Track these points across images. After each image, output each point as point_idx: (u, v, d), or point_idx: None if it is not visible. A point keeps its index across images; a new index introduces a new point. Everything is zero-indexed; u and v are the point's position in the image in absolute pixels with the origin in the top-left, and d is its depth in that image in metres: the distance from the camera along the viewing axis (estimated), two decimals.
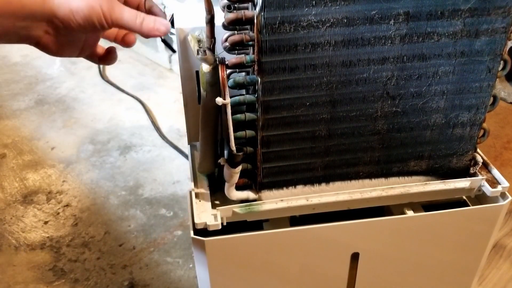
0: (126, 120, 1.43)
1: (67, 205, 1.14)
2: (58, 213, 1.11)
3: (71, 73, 1.66)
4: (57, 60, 1.73)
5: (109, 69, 1.67)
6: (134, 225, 1.08)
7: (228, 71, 0.49)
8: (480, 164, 0.57)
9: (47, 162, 1.27)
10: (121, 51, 1.79)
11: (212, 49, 0.46)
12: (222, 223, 0.51)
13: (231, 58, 0.46)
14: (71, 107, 1.49)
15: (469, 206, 0.59)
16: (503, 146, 1.22)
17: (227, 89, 0.46)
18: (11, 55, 1.76)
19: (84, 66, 1.68)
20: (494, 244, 0.88)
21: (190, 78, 0.53)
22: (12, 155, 1.30)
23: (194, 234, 0.51)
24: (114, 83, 1.59)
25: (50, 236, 1.06)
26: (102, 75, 1.62)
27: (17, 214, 1.12)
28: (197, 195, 0.54)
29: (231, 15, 0.43)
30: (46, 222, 1.10)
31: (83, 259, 1.00)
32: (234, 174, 0.51)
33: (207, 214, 0.52)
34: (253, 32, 0.44)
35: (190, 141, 0.60)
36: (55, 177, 1.22)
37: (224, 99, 0.46)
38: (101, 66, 1.67)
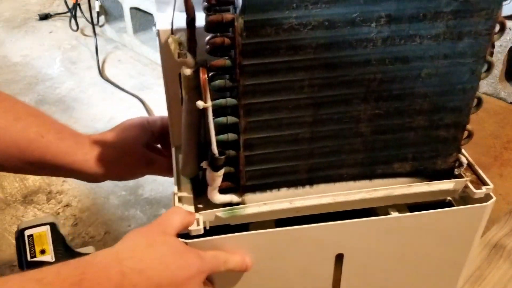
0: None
1: (67, 205, 1.12)
2: (58, 213, 1.10)
3: (71, 73, 1.64)
4: (57, 60, 1.72)
5: (109, 69, 1.66)
6: (134, 225, 1.08)
7: (212, 73, 0.48)
8: (465, 165, 0.57)
9: None
10: (121, 51, 1.77)
11: (193, 52, 0.46)
12: (205, 227, 0.51)
13: (212, 61, 0.46)
14: (71, 107, 1.48)
15: (454, 206, 0.59)
16: (503, 146, 1.23)
17: (208, 93, 0.45)
18: (11, 55, 1.75)
19: (84, 66, 1.67)
20: (494, 244, 0.88)
21: (173, 80, 0.53)
22: None
23: (178, 237, 0.51)
24: (114, 82, 1.58)
25: None
26: (102, 75, 1.61)
27: (17, 214, 1.11)
28: (180, 199, 0.54)
29: (211, 18, 0.43)
30: None
31: None
32: (216, 178, 0.50)
33: None
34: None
35: (174, 144, 0.59)
36: (55, 177, 1.21)
37: (205, 102, 0.46)
38: (101, 66, 1.66)
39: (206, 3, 0.43)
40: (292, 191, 0.54)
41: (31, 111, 0.57)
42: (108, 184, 1.16)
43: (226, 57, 0.46)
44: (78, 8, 1.82)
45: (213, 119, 0.47)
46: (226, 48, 0.45)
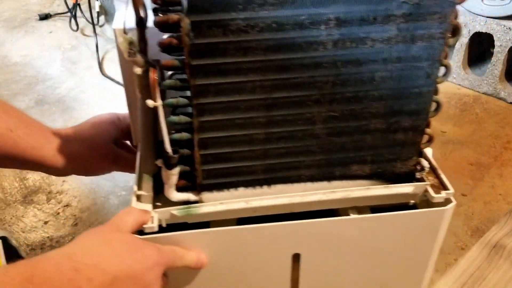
0: None
1: (67, 205, 1.13)
2: (58, 213, 1.11)
3: (71, 73, 1.66)
4: (57, 60, 1.74)
5: (109, 69, 1.67)
6: None
7: (170, 72, 0.49)
8: (427, 169, 0.57)
9: None
10: None
11: (143, 51, 0.46)
12: (161, 225, 0.52)
13: (163, 60, 0.46)
14: (71, 107, 1.49)
15: (417, 208, 0.59)
16: (503, 146, 1.22)
17: (157, 92, 0.46)
18: (11, 55, 1.77)
19: (84, 66, 1.69)
20: (494, 244, 0.87)
21: (131, 78, 0.53)
22: None
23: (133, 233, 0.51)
24: (116, 80, 1.58)
25: (50, 236, 1.06)
26: (103, 74, 1.62)
27: (17, 214, 1.12)
28: (138, 197, 0.54)
29: (158, 18, 0.43)
30: (46, 222, 1.10)
31: None
32: (171, 176, 0.51)
33: None
34: None
35: (136, 141, 0.60)
36: (55, 177, 1.22)
37: (155, 101, 0.46)
38: (101, 65, 1.67)
39: (154, 4, 0.43)
40: (250, 190, 0.54)
41: (0, 106, 0.58)
42: (108, 184, 1.17)
43: (182, 57, 0.46)
44: (78, 8, 1.83)
45: (167, 117, 0.48)
46: (176, 48, 0.45)
